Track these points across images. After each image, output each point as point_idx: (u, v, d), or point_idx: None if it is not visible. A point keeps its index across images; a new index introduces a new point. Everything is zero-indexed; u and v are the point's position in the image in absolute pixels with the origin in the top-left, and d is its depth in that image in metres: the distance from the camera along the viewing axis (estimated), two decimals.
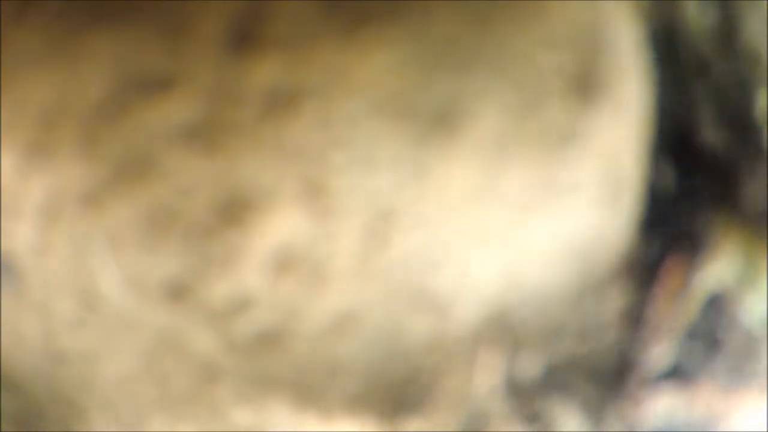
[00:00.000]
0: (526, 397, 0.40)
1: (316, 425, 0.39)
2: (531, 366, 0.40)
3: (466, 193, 0.38)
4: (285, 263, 0.37)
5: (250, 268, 0.37)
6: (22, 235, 0.38)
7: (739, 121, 0.46)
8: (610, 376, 0.41)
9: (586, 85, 0.40)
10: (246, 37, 0.37)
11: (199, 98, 0.37)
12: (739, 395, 0.42)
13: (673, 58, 0.46)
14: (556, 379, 0.41)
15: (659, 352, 0.42)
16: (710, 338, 0.43)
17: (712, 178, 0.45)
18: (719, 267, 0.43)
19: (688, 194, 0.45)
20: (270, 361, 0.38)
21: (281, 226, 0.37)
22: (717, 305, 0.43)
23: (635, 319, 0.42)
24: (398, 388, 0.39)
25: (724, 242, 0.43)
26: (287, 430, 0.39)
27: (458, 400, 0.39)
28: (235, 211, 0.37)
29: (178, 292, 0.37)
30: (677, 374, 0.42)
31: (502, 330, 0.39)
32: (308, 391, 0.38)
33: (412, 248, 0.38)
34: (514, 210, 0.39)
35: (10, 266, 0.39)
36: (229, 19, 0.37)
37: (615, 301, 0.42)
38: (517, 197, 0.39)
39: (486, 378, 0.39)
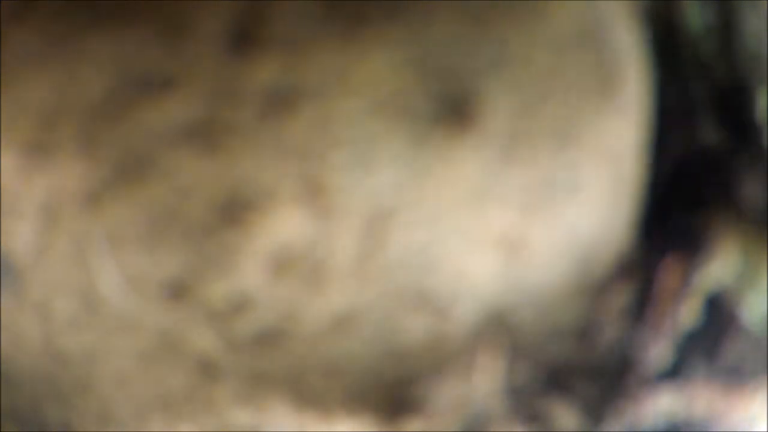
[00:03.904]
0: (526, 397, 0.40)
1: (315, 425, 0.39)
2: (531, 366, 0.40)
3: (465, 193, 0.38)
4: (284, 263, 0.37)
5: (249, 268, 0.37)
6: (22, 235, 0.38)
7: (739, 121, 0.46)
8: (610, 376, 0.41)
9: (586, 85, 0.40)
10: (246, 37, 0.37)
11: (199, 98, 0.37)
12: (739, 395, 0.42)
13: (673, 58, 0.46)
14: (556, 379, 0.41)
15: (659, 352, 0.42)
16: (710, 338, 0.43)
17: (712, 178, 0.45)
18: (719, 267, 0.43)
19: (688, 194, 0.45)
20: (269, 361, 0.38)
21: (281, 226, 0.37)
22: (717, 305, 0.43)
23: (635, 319, 0.42)
24: (398, 388, 0.39)
25: (723, 242, 0.43)
26: (287, 430, 0.39)
27: (458, 401, 0.39)
28: (234, 211, 0.37)
29: (177, 292, 0.37)
30: (677, 374, 0.42)
31: (502, 330, 0.39)
32: (308, 390, 0.38)
33: (411, 248, 0.38)
34: (513, 210, 0.39)
35: (10, 266, 0.39)
36: (229, 19, 0.37)
37: (615, 301, 0.42)
38: (517, 197, 0.39)
39: (485, 378, 0.39)
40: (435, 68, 0.38)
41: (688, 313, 0.42)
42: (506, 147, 0.38)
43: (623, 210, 0.43)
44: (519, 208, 0.39)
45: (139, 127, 0.37)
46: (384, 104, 0.37)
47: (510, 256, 0.39)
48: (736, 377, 0.42)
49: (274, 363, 0.38)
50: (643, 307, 0.42)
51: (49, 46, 0.38)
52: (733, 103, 0.46)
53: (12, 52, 0.38)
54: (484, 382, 0.39)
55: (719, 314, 0.43)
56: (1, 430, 0.41)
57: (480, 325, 0.39)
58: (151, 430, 0.39)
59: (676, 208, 0.44)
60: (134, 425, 0.39)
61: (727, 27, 0.46)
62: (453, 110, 0.38)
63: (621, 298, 0.42)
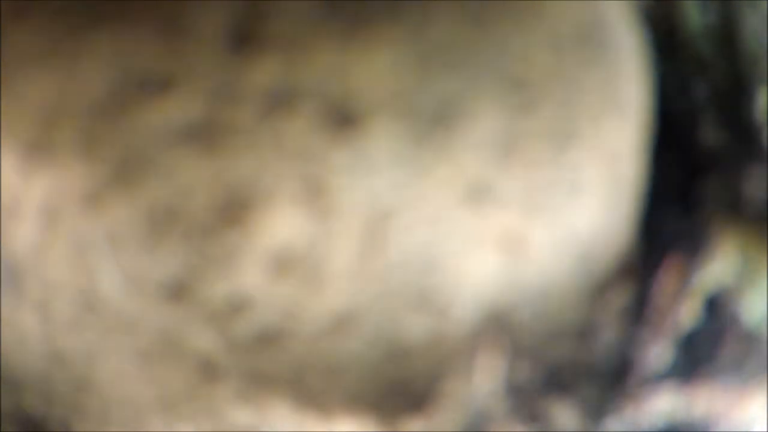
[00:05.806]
0: (526, 397, 0.40)
1: (315, 425, 0.39)
2: (531, 366, 0.40)
3: (465, 193, 0.38)
4: (284, 263, 0.37)
5: (249, 268, 0.37)
6: (22, 235, 0.38)
7: (739, 121, 0.46)
8: (610, 376, 0.41)
9: (586, 85, 0.40)
10: (246, 37, 0.37)
11: (198, 98, 0.37)
12: (739, 395, 0.42)
13: (673, 58, 0.46)
14: (556, 379, 0.41)
15: (659, 352, 0.42)
16: (710, 338, 0.43)
17: (712, 178, 0.45)
18: (719, 267, 0.43)
19: (688, 194, 0.45)
20: (269, 361, 0.38)
21: (280, 226, 0.37)
22: (717, 305, 0.43)
23: (635, 319, 0.42)
24: (398, 388, 0.39)
25: (723, 242, 0.43)
26: (287, 430, 0.39)
27: (458, 401, 0.39)
28: (234, 211, 0.37)
29: (177, 292, 0.37)
30: (677, 374, 0.42)
31: (502, 330, 0.39)
32: (307, 390, 0.38)
33: (411, 248, 0.38)
34: (513, 210, 0.39)
35: (10, 266, 0.39)
36: (229, 19, 0.37)
37: (615, 301, 0.42)
38: (517, 197, 0.39)
39: (485, 378, 0.39)
40: (435, 68, 0.38)
41: (688, 313, 0.42)
42: (505, 147, 0.38)
43: (623, 210, 0.43)
44: (519, 208, 0.39)
45: (139, 127, 0.37)
46: (384, 104, 0.37)
47: (510, 256, 0.39)
48: (736, 377, 0.42)
49: (274, 363, 0.38)
50: (643, 307, 0.42)
51: (49, 45, 0.38)
52: (733, 103, 0.46)
53: (12, 52, 0.38)
54: (484, 381, 0.39)
55: (719, 314, 0.43)
56: (1, 430, 0.41)
57: (480, 325, 0.39)
58: (151, 430, 0.39)
59: (676, 208, 0.45)
60: (134, 425, 0.39)
61: (727, 27, 0.46)
62: (452, 110, 0.38)
63: (621, 298, 0.42)
